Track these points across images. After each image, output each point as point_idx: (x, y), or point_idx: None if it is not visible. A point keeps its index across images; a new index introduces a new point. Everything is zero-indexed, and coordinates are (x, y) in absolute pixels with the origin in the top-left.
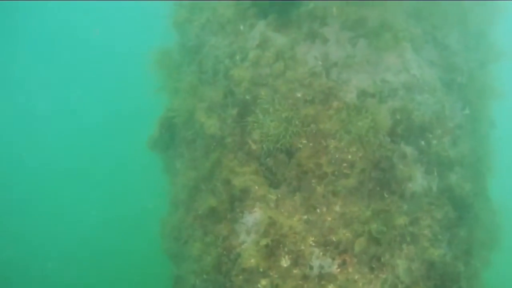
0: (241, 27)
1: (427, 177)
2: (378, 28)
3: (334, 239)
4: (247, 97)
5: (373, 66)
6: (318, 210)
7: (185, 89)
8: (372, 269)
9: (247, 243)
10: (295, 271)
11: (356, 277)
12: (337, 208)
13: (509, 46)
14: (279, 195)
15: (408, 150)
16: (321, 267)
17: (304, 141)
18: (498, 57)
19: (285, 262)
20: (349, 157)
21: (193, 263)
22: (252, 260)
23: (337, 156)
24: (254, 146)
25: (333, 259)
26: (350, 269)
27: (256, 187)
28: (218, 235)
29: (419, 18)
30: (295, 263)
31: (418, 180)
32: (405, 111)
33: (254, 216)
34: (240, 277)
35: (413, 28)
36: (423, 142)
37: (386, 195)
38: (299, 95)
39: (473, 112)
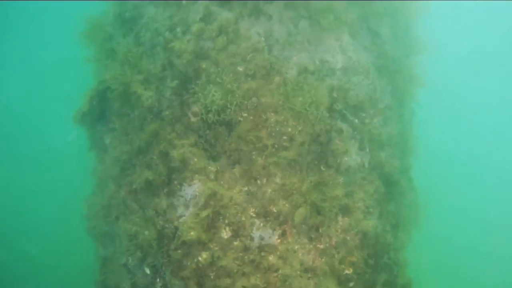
0: (183, 1)
1: (360, 153)
2: (322, 9)
3: (274, 210)
4: (188, 69)
5: (313, 46)
6: (258, 182)
7: (120, 61)
8: (311, 239)
9: (186, 216)
10: (236, 243)
11: (296, 247)
12: (277, 180)
13: (430, 42)
14: (218, 167)
15: (344, 126)
16: (262, 238)
17: (245, 115)
18: (421, 50)
19: (225, 234)
20: (289, 130)
21: (125, 241)
22: (192, 233)
23: (277, 129)
24: (193, 119)
25: (274, 230)
26: (290, 240)
27: (195, 159)
28: (156, 209)
29: (356, 4)
30: (235, 234)
31: (353, 156)
32: (341, 89)
33: (193, 188)
34: (179, 251)
35: (351, 13)
36: (356, 120)
37: (323, 168)
38: (240, 69)
39: (401, 97)
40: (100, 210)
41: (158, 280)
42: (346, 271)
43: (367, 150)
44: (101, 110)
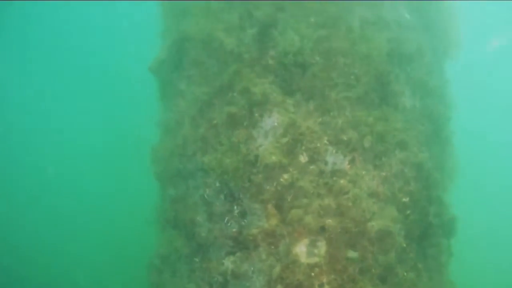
0: None
1: (412, 97)
2: None
3: (345, 138)
4: (267, 19)
5: (372, 3)
6: (331, 113)
7: (199, 13)
8: (375, 167)
9: (265, 145)
10: (312, 167)
11: (363, 172)
12: (347, 113)
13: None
14: (295, 102)
15: (400, 73)
16: (334, 163)
17: (317, 58)
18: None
19: (303, 159)
20: (356, 71)
21: (202, 176)
22: (274, 157)
23: (345, 70)
24: (271, 61)
25: (345, 156)
26: (358, 165)
27: (275, 94)
28: (237, 139)
29: None
30: (312, 159)
31: (407, 98)
32: (397, 41)
33: (272, 119)
34: (260, 175)
35: None
36: (409, 69)
37: (384, 107)
38: (312, 20)
39: (440, 56)
40: (174, 150)
41: (235, 207)
42: (404, 199)
43: (417, 95)
44: (178, 59)
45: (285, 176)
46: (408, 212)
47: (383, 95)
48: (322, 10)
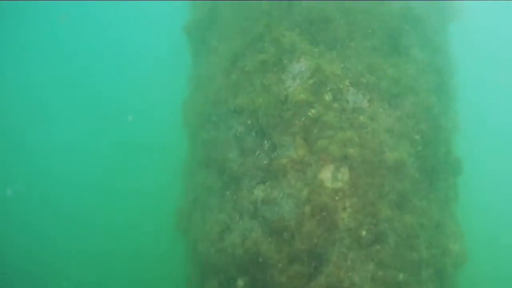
0: None
1: (421, 52)
2: None
3: (364, 81)
4: None
5: None
6: (352, 60)
7: None
8: (390, 106)
9: (294, 86)
10: (335, 105)
11: (380, 110)
12: (365, 59)
13: None
14: (320, 51)
15: (410, 30)
16: (355, 102)
17: (339, 15)
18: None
19: (328, 97)
20: (373, 25)
21: (234, 116)
22: (302, 95)
23: (363, 25)
24: (297, 17)
25: (364, 96)
26: (375, 104)
27: (302, 44)
28: (270, 81)
29: None
30: (335, 98)
31: (417, 51)
32: (408, 5)
33: (300, 65)
34: (290, 112)
35: None
36: (418, 28)
37: (397, 56)
38: None
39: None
40: (206, 99)
41: (266, 142)
42: (416, 137)
43: (426, 51)
44: (211, 19)
45: (313, 111)
46: (420, 148)
47: (396, 47)
48: None
